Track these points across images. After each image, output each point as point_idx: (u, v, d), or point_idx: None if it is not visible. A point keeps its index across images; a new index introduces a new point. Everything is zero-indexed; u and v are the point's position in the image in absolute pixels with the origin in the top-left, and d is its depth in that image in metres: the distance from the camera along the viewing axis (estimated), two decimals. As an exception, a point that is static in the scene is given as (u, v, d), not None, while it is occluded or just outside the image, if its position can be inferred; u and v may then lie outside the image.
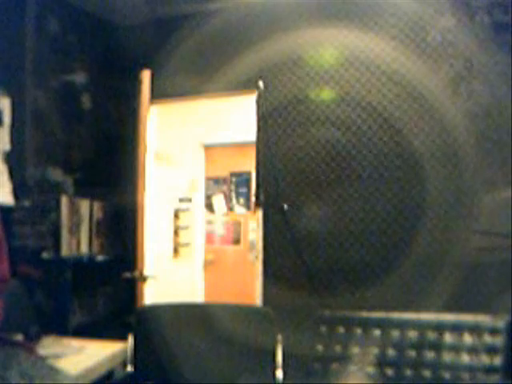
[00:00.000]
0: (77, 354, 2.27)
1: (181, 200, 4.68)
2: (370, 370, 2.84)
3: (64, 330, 2.87)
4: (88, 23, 3.77)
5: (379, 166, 3.14)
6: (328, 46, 3.31)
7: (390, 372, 2.80)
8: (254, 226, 4.92)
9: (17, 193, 3.03)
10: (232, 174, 5.64)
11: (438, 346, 2.76)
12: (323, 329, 2.99)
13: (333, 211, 3.22)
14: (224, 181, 5.67)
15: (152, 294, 3.23)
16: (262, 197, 3.38)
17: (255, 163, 3.44)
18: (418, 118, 3.07)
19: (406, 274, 3.02)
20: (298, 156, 3.33)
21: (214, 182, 5.65)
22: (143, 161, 3.20)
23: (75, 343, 2.41)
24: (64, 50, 3.55)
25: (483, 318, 2.73)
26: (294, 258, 3.28)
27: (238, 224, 5.61)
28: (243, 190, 5.59)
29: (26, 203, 3.08)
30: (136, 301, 3.10)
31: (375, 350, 2.86)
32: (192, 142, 5.03)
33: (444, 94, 3.02)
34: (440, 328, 2.78)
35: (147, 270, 3.19)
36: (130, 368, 2.37)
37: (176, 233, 4.61)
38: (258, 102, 3.42)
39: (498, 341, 2.66)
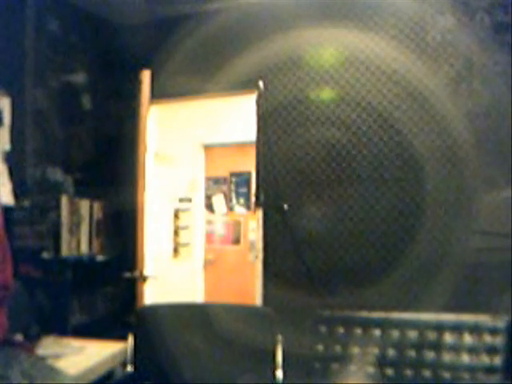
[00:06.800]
0: (77, 354, 2.28)
1: (181, 200, 4.68)
2: (370, 369, 2.84)
3: (64, 330, 2.87)
4: (88, 23, 3.77)
5: (379, 166, 3.14)
6: (328, 46, 3.31)
7: (390, 372, 2.81)
8: (254, 226, 4.92)
9: (17, 193, 3.03)
10: (232, 174, 5.63)
11: (438, 346, 2.76)
12: (323, 329, 2.99)
13: (333, 211, 3.22)
14: (224, 181, 5.66)
15: (152, 294, 3.23)
16: (261, 197, 3.38)
17: (255, 163, 3.44)
18: (418, 118, 3.07)
19: (406, 274, 3.02)
20: (297, 156, 3.33)
21: (214, 182, 5.64)
22: (143, 161, 3.20)
23: (75, 343, 2.41)
24: (64, 50, 3.55)
25: (483, 318, 2.74)
26: (294, 258, 3.28)
27: (237, 224, 5.61)
28: (243, 189, 5.59)
29: (26, 203, 3.08)
30: (136, 301, 3.10)
31: (375, 350, 2.86)
32: (192, 141, 5.02)
33: (444, 94, 3.02)
34: (440, 328, 2.78)
35: (147, 270, 3.19)
36: (130, 368, 2.37)
37: (176, 233, 4.61)
38: (257, 102, 3.42)
39: (498, 341, 2.66)
